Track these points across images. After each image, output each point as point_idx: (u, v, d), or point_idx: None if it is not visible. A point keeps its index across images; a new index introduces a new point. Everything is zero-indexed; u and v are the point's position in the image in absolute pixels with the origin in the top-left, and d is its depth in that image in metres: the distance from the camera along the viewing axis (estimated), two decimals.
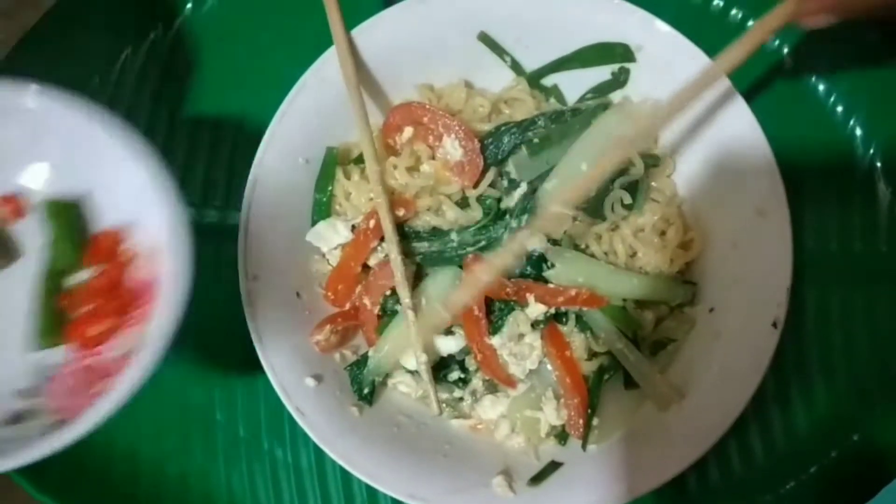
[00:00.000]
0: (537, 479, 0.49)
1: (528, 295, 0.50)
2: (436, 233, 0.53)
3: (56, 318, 0.40)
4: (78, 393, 0.39)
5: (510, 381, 0.51)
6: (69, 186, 0.41)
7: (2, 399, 0.39)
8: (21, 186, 0.42)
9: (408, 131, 0.54)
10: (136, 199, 0.39)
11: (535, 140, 0.51)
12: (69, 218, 0.42)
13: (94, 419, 0.36)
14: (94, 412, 0.36)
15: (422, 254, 0.52)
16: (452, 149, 0.53)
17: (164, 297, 0.38)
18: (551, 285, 0.50)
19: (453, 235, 0.52)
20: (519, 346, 0.50)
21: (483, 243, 0.52)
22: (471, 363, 0.52)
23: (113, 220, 0.41)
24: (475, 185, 0.53)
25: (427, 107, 0.54)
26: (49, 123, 0.39)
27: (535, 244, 0.50)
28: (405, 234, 0.52)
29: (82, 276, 0.41)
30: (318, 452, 0.50)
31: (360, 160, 0.55)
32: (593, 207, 0.51)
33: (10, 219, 0.42)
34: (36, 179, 0.41)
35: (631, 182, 0.52)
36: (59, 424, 0.37)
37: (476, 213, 0.53)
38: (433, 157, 0.54)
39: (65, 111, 0.39)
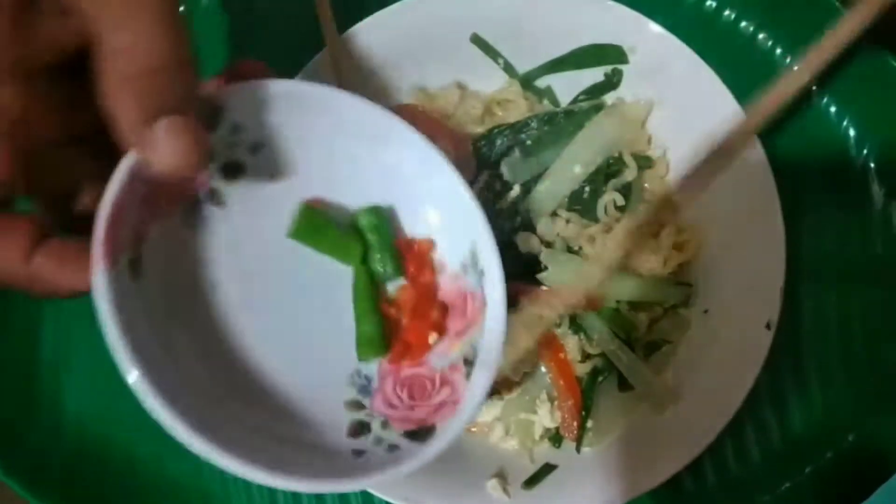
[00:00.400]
0: (532, 481, 0.49)
1: (521, 297, 0.50)
2: None
3: (382, 328, 0.37)
4: (409, 406, 0.36)
5: (505, 384, 0.51)
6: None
7: (335, 412, 0.36)
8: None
9: None
10: (442, 207, 0.38)
11: (528, 142, 0.51)
12: (385, 224, 0.39)
13: (456, 428, 0.33)
14: (457, 415, 0.34)
15: None
16: (446, 151, 0.53)
17: (491, 307, 0.36)
18: (545, 287, 0.50)
19: None
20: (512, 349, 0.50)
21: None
22: None
23: (416, 228, 0.39)
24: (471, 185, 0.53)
25: (420, 109, 0.54)
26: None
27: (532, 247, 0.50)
28: None
29: (399, 283, 0.39)
30: None
31: None
32: (586, 209, 0.51)
33: None
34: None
35: (624, 184, 0.52)
36: (409, 435, 0.34)
37: None
38: None
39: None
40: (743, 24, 0.58)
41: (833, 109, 0.56)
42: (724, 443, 0.52)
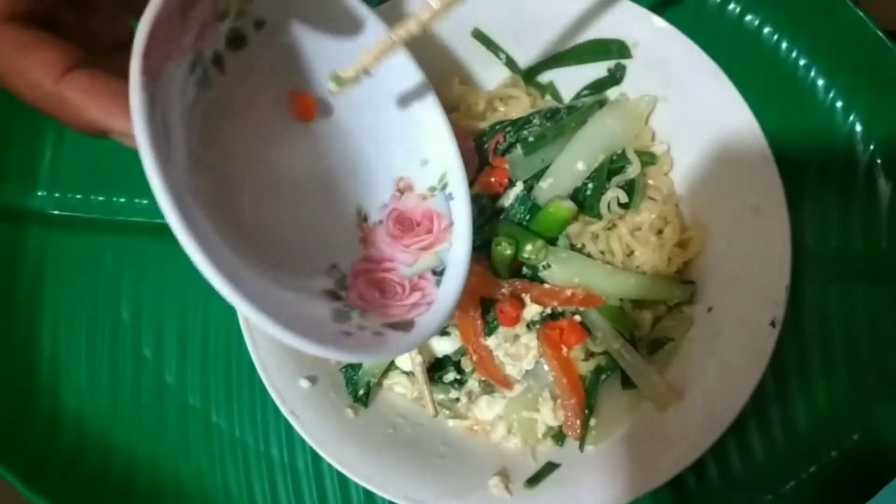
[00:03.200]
0: (534, 480, 0.49)
1: (524, 295, 0.49)
2: None
3: None
4: (381, 304, 0.40)
5: (506, 382, 0.51)
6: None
7: (314, 296, 0.38)
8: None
9: None
10: (417, 133, 0.42)
11: (531, 139, 0.51)
12: None
13: (439, 316, 0.38)
14: (436, 309, 0.38)
15: None
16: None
17: (458, 225, 0.41)
18: (547, 286, 0.50)
19: None
20: (515, 347, 0.50)
21: (478, 242, 0.51)
22: (467, 364, 0.52)
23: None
24: (471, 184, 0.53)
25: None
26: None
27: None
28: None
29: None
30: (315, 454, 0.49)
31: None
32: (589, 206, 0.51)
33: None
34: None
35: (628, 180, 0.51)
36: (390, 326, 0.37)
37: None
38: None
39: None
40: (748, 18, 0.58)
41: (839, 104, 0.56)
42: (727, 442, 0.52)
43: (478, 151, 0.52)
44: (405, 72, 0.41)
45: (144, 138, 0.30)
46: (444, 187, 0.42)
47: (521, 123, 0.52)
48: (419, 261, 0.42)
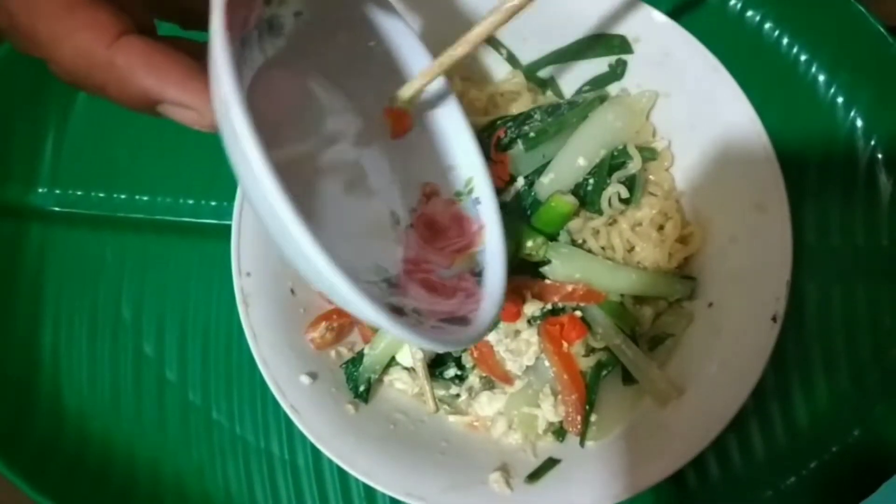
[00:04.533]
0: (535, 475, 0.49)
1: (524, 291, 0.49)
2: None
3: None
4: (429, 301, 0.40)
5: (507, 378, 0.51)
6: None
7: (366, 270, 0.40)
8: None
9: None
10: (444, 141, 0.42)
11: (532, 134, 0.51)
12: None
13: (491, 313, 0.38)
14: (488, 303, 0.39)
15: None
16: None
17: (489, 228, 0.42)
18: (548, 281, 0.50)
19: None
20: (515, 343, 0.50)
21: None
22: (467, 360, 0.52)
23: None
24: None
25: None
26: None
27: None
28: None
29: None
30: (315, 450, 0.49)
31: None
32: (590, 201, 0.51)
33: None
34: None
35: (629, 176, 0.51)
36: (450, 321, 0.38)
37: None
38: None
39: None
40: (749, 13, 0.58)
41: (840, 100, 0.56)
42: (728, 438, 0.52)
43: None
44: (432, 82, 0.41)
45: (234, 95, 0.27)
46: (470, 192, 0.43)
47: (523, 119, 0.52)
48: (455, 263, 0.42)
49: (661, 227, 0.52)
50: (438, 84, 0.42)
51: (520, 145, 0.51)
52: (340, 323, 0.53)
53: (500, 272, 0.40)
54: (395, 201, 0.44)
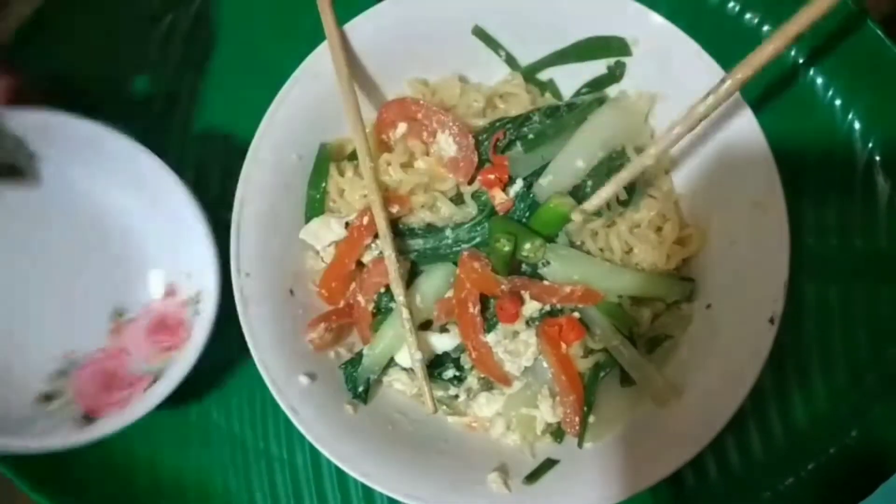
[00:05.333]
0: (533, 476, 0.49)
1: (523, 292, 0.49)
2: (430, 230, 0.52)
3: None
4: (99, 391, 0.48)
5: (505, 379, 0.51)
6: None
7: (35, 379, 0.47)
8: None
9: (401, 127, 0.54)
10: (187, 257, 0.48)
11: (531, 136, 0.51)
12: None
13: (121, 422, 0.45)
14: (122, 416, 0.45)
15: (416, 251, 0.52)
16: (447, 145, 0.52)
17: (195, 335, 0.47)
18: (547, 282, 0.50)
19: (448, 232, 0.52)
20: (514, 344, 0.50)
21: (478, 239, 0.51)
22: (466, 361, 0.52)
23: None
24: (470, 182, 0.53)
25: (421, 102, 0.53)
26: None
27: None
28: (399, 232, 0.52)
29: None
30: (314, 450, 0.49)
31: (353, 156, 0.55)
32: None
33: None
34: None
35: None
36: (85, 418, 0.46)
37: (471, 209, 0.52)
38: (427, 154, 0.54)
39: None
40: (747, 16, 0.58)
41: (838, 103, 0.56)
42: (726, 438, 0.52)
43: (477, 148, 0.52)
44: (182, 200, 0.48)
45: None
46: (197, 303, 0.47)
47: (521, 121, 0.52)
48: (157, 361, 0.49)
49: (659, 229, 0.53)
50: (189, 205, 0.48)
51: (519, 147, 0.51)
52: (339, 324, 0.53)
53: (171, 384, 0.46)
54: (125, 295, 0.51)
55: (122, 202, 0.51)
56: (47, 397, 0.47)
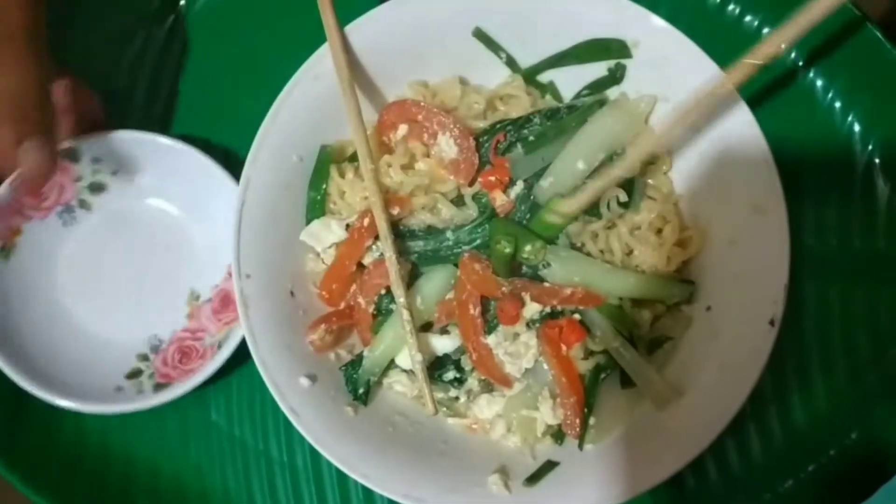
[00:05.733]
0: (533, 478, 0.49)
1: (524, 294, 0.49)
2: (431, 231, 0.52)
3: None
4: (176, 365, 0.55)
5: (506, 381, 0.51)
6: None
7: (129, 360, 0.56)
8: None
9: (402, 129, 0.54)
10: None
11: (531, 138, 0.51)
12: None
13: (187, 387, 0.52)
14: (189, 381, 0.52)
15: (417, 252, 0.52)
16: (447, 146, 0.53)
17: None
18: (547, 284, 0.50)
19: (449, 234, 0.52)
20: (514, 346, 0.50)
21: (479, 241, 0.51)
22: (466, 362, 0.52)
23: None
24: (470, 184, 0.53)
25: (421, 104, 0.53)
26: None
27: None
28: (400, 234, 0.52)
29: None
30: (314, 452, 0.49)
31: (354, 158, 0.55)
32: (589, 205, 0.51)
33: None
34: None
35: (627, 180, 0.51)
36: (158, 385, 0.54)
37: (472, 211, 0.52)
38: (428, 155, 0.54)
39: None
40: (747, 18, 0.58)
41: (838, 105, 0.56)
42: (726, 440, 0.52)
43: (478, 150, 0.52)
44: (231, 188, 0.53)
45: None
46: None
47: (522, 122, 0.52)
48: (220, 331, 0.55)
49: (659, 231, 0.53)
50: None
51: (519, 148, 0.51)
52: (340, 325, 0.53)
53: (228, 350, 0.52)
54: (201, 280, 0.58)
55: (185, 199, 0.58)
56: (135, 373, 0.55)
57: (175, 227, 0.59)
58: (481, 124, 0.54)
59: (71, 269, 0.58)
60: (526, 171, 0.51)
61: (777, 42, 0.43)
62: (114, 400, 0.53)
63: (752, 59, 0.43)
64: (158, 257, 0.58)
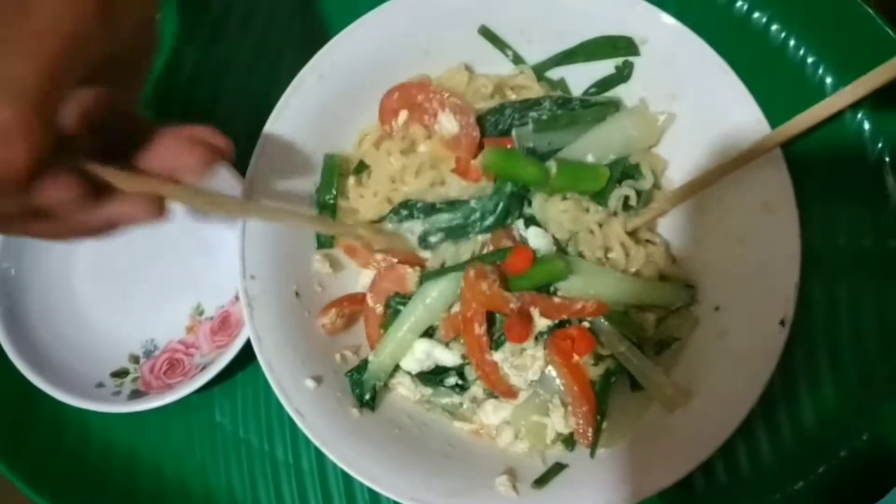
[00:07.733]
0: (542, 480, 0.48)
1: (532, 309, 0.48)
2: (455, 203, 0.51)
3: None
4: (159, 376, 0.55)
5: (511, 393, 0.50)
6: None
7: (120, 357, 0.56)
8: None
9: (403, 115, 0.53)
10: None
11: (544, 117, 0.50)
12: None
13: (159, 402, 0.52)
14: (163, 397, 0.52)
15: (443, 228, 0.51)
16: (448, 123, 0.52)
17: (237, 338, 0.52)
18: (557, 299, 0.49)
19: (474, 203, 0.51)
20: (520, 359, 0.49)
21: (502, 206, 0.50)
22: (470, 373, 0.51)
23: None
24: (473, 157, 0.52)
25: (421, 85, 0.53)
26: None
27: (542, 245, 0.50)
28: (422, 210, 0.51)
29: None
30: (319, 454, 0.49)
31: (360, 169, 0.54)
32: (600, 193, 0.51)
33: None
34: None
35: (639, 189, 0.51)
36: (136, 392, 0.54)
37: (482, 183, 0.52)
38: (429, 138, 0.53)
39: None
40: (756, 15, 0.57)
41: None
42: (736, 442, 0.51)
43: (481, 125, 0.51)
44: None
45: None
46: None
47: (531, 104, 0.51)
48: (210, 353, 0.55)
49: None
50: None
51: (530, 125, 0.50)
52: (351, 310, 0.53)
53: (210, 373, 0.52)
54: (209, 297, 0.58)
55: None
56: (121, 373, 0.56)
57: (199, 235, 0.58)
58: (486, 105, 0.53)
59: (91, 257, 0.59)
60: (532, 148, 0.51)
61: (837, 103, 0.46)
62: (90, 396, 0.53)
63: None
64: (177, 262, 0.59)
